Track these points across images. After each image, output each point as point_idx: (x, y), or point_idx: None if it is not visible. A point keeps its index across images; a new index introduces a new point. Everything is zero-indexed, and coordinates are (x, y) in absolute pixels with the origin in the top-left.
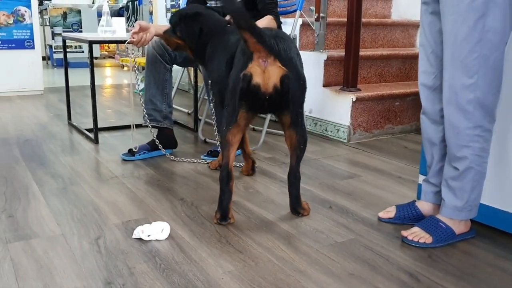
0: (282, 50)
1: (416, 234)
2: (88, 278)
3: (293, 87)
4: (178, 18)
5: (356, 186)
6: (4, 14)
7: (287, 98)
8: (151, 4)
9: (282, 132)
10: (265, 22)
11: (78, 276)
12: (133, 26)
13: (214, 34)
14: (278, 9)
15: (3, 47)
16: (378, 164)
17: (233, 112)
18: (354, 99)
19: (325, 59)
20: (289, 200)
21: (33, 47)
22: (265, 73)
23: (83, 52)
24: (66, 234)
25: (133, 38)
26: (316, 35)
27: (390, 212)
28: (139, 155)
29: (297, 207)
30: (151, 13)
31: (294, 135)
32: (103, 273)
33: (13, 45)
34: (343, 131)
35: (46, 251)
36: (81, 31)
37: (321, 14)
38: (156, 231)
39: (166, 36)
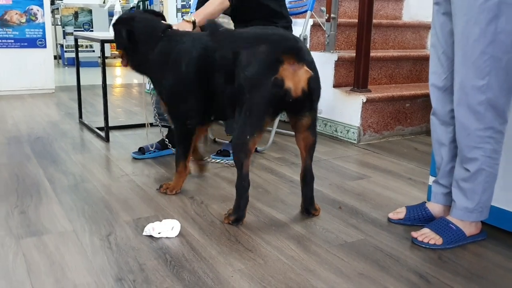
0: (306, 53)
1: (426, 235)
2: (99, 274)
3: (317, 88)
4: (114, 27)
5: (366, 187)
6: (17, 13)
7: (312, 100)
8: (162, 4)
9: (291, 133)
10: (216, 1)
11: (89, 272)
12: None
13: (151, 40)
14: (289, 9)
15: (16, 46)
16: (388, 165)
17: (259, 118)
18: (364, 100)
19: (336, 59)
20: (303, 200)
21: (45, 46)
22: (296, 77)
23: (94, 51)
24: (78, 231)
25: None
26: (326, 35)
27: (400, 213)
28: (149, 153)
29: (310, 208)
30: None
31: (310, 136)
32: (114, 269)
33: (25, 43)
34: (353, 132)
35: (57, 247)
36: (92, 31)
37: (332, 15)
38: (167, 228)
39: (120, 53)
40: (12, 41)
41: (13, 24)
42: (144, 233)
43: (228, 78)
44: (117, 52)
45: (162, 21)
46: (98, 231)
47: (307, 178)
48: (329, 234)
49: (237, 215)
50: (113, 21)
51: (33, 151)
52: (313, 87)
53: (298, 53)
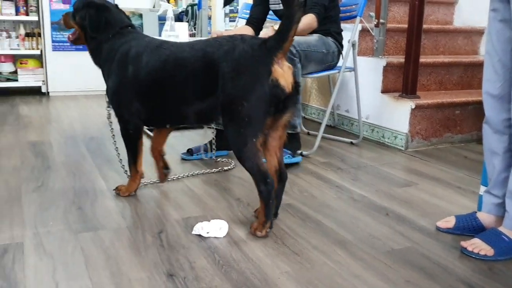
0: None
1: (476, 245)
2: (152, 270)
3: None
4: (84, 4)
5: (413, 194)
6: None
7: (298, 93)
8: (210, 9)
9: (337, 137)
10: (305, 20)
11: (142, 267)
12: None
13: (113, 32)
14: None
15: (71, 49)
16: (436, 173)
17: (260, 122)
18: (413, 106)
19: (384, 65)
20: (276, 204)
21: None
22: (285, 73)
23: None
24: (131, 227)
25: None
26: (375, 41)
27: (449, 222)
28: (197, 155)
29: (278, 208)
30: (209, 18)
31: (285, 134)
32: (165, 265)
33: (81, 47)
34: (401, 139)
35: (112, 242)
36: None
37: (381, 20)
38: (215, 228)
39: (66, 17)
40: (68, 44)
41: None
42: (193, 232)
43: (199, 90)
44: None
45: (125, 19)
46: (150, 228)
47: (282, 176)
48: (376, 240)
49: (271, 219)
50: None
51: (88, 150)
52: (298, 81)
53: (281, 46)
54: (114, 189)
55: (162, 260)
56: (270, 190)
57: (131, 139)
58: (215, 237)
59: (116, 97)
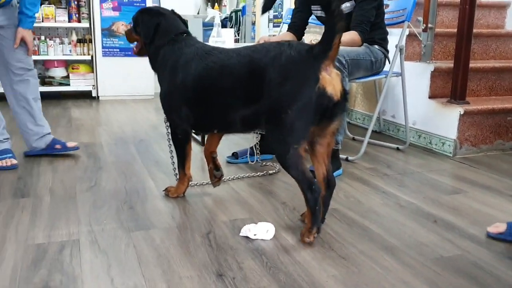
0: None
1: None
2: (202, 269)
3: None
4: (139, 13)
5: (462, 202)
6: (123, 24)
7: (346, 100)
8: (254, 15)
9: (383, 143)
10: (348, 37)
11: (192, 266)
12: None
13: (169, 39)
14: (386, 19)
15: (120, 55)
16: (486, 180)
17: (305, 130)
18: (462, 112)
19: (432, 70)
20: (323, 210)
21: (146, 55)
22: (333, 81)
23: None
24: (180, 227)
25: None
26: (423, 45)
27: (499, 227)
28: (242, 158)
29: (325, 215)
30: (253, 24)
31: (333, 141)
32: (214, 265)
33: (129, 53)
34: (449, 145)
35: (163, 240)
36: None
37: (429, 25)
38: (262, 231)
39: (128, 33)
40: (118, 50)
41: (119, 34)
42: (240, 234)
43: (245, 96)
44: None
45: (181, 25)
46: (198, 228)
47: (331, 184)
48: (424, 247)
49: (318, 225)
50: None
51: (138, 152)
52: (345, 88)
53: (326, 55)
54: (163, 190)
55: (211, 259)
56: (317, 197)
57: (180, 143)
58: (262, 240)
59: (167, 103)
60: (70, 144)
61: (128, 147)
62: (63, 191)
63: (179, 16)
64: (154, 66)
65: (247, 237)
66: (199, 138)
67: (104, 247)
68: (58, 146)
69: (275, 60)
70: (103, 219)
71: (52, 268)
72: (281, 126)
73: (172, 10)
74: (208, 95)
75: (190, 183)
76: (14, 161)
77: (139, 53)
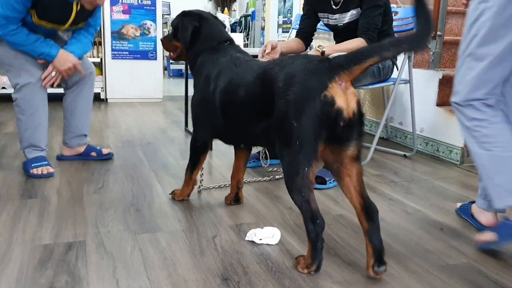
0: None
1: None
2: (207, 272)
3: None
4: (178, 17)
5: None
6: (132, 27)
7: (362, 123)
8: (264, 20)
9: (390, 150)
10: (354, 44)
11: (198, 270)
12: (246, 39)
13: (208, 45)
14: (394, 27)
15: (130, 57)
16: None
17: (312, 145)
18: None
19: (440, 78)
20: (372, 248)
21: (155, 58)
22: (346, 95)
23: None
24: (186, 231)
25: (263, 57)
26: (431, 53)
27: (487, 236)
28: (249, 163)
29: (382, 256)
30: (263, 29)
31: (359, 166)
32: (220, 269)
33: (139, 55)
34: (456, 153)
35: (169, 244)
36: None
37: (438, 32)
38: (268, 235)
39: (164, 41)
40: (127, 53)
41: (128, 37)
42: (246, 238)
43: (261, 110)
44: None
45: (224, 32)
46: (204, 232)
47: (372, 212)
48: (430, 254)
49: (318, 262)
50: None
51: (145, 154)
52: (362, 111)
53: (345, 68)
54: (170, 193)
55: (216, 263)
56: (319, 231)
57: (196, 151)
58: (267, 244)
59: (195, 110)
60: (105, 151)
61: (135, 150)
62: (70, 193)
63: (220, 23)
64: (192, 71)
65: (252, 241)
66: None
67: (110, 249)
68: (93, 154)
69: (284, 68)
70: (109, 221)
71: (58, 269)
72: (289, 143)
73: (214, 16)
74: (231, 108)
75: (200, 187)
76: (51, 170)
77: (177, 59)
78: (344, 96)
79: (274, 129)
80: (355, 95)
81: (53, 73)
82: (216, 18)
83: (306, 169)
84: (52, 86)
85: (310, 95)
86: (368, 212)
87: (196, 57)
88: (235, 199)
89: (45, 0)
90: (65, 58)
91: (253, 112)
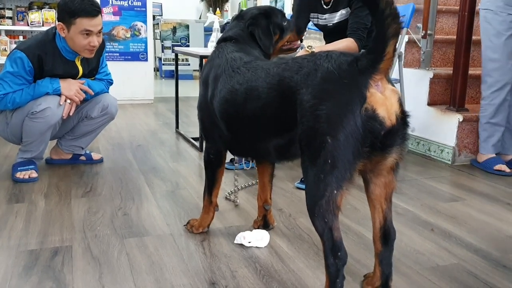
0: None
1: None
2: (194, 277)
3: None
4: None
5: (460, 209)
6: (123, 29)
7: (406, 127)
8: None
9: None
10: (343, 44)
11: (185, 274)
12: None
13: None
14: None
15: (120, 59)
16: (484, 188)
17: (348, 166)
18: (460, 120)
19: (431, 77)
20: (380, 271)
21: (146, 60)
22: (387, 100)
23: (189, 65)
24: (175, 234)
25: None
26: (422, 52)
27: None
28: (240, 165)
29: (390, 278)
30: None
31: (394, 181)
32: (207, 273)
33: (129, 57)
34: (448, 152)
35: (157, 248)
36: (188, 45)
37: (429, 32)
38: (257, 238)
39: None
40: (118, 54)
41: (119, 38)
42: (235, 241)
43: (276, 124)
44: None
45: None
46: (192, 236)
47: (389, 237)
48: (420, 256)
49: None
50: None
51: (135, 157)
52: (404, 109)
53: (376, 67)
54: (184, 225)
55: (204, 267)
56: (340, 266)
57: (211, 165)
58: (256, 247)
59: (200, 116)
60: (95, 156)
61: (125, 153)
62: (58, 197)
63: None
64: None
65: (241, 244)
66: (197, 143)
67: (97, 254)
68: (83, 158)
69: (308, 77)
70: (97, 225)
71: (43, 275)
72: (318, 161)
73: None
74: (235, 121)
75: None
76: (34, 174)
77: None
78: (384, 101)
79: (300, 146)
80: (395, 92)
81: (68, 101)
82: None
83: (336, 192)
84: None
85: (349, 110)
86: (385, 235)
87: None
88: (263, 223)
89: (47, 67)
90: (69, 83)
91: (266, 127)
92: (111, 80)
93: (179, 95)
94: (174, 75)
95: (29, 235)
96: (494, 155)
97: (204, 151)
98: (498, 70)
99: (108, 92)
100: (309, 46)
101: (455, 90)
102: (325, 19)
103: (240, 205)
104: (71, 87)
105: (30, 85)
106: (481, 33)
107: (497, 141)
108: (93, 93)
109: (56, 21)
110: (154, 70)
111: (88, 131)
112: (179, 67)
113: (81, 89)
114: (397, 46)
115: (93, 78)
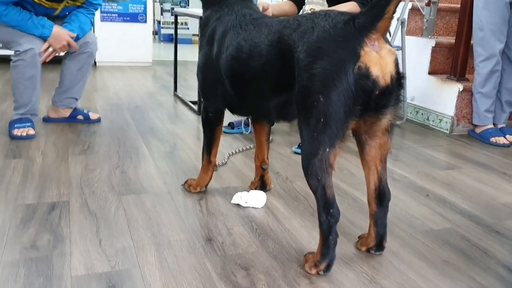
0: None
1: None
2: (191, 233)
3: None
4: None
5: (456, 177)
6: None
7: (401, 88)
8: None
9: None
10: (347, 8)
11: (182, 230)
12: None
13: (216, 1)
14: None
15: (119, 20)
16: (481, 158)
17: (341, 125)
18: (460, 89)
19: (433, 45)
20: (374, 231)
21: (145, 21)
22: (382, 60)
23: (188, 29)
24: (172, 192)
25: None
26: (425, 20)
27: None
28: (238, 128)
29: (383, 240)
30: None
31: (388, 142)
32: (204, 230)
33: (128, 18)
34: (446, 122)
35: (154, 205)
36: (187, 7)
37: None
38: (254, 199)
39: None
40: (116, 15)
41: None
42: (232, 201)
43: (275, 82)
44: None
45: None
46: (190, 194)
47: (384, 198)
48: (414, 220)
49: (328, 259)
50: None
51: (133, 118)
52: (400, 71)
53: (374, 26)
54: (182, 184)
55: (201, 224)
56: (332, 223)
57: (209, 124)
58: (253, 207)
59: (201, 75)
60: (93, 116)
61: (123, 113)
62: (55, 154)
63: None
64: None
65: (238, 204)
66: (195, 107)
67: (94, 209)
68: (80, 117)
69: (305, 35)
70: (94, 182)
71: (41, 228)
72: (312, 120)
73: None
74: (239, 79)
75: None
76: (31, 132)
77: None
78: (379, 61)
79: (296, 104)
80: (391, 53)
81: (50, 49)
82: None
83: (328, 150)
84: (45, 61)
85: (342, 69)
86: (381, 196)
87: (203, 15)
88: (260, 184)
89: None
90: (59, 36)
91: (267, 86)
92: (100, 3)
93: (178, 59)
94: (173, 39)
95: (26, 190)
96: (491, 125)
97: (202, 111)
98: (484, 39)
99: (92, 27)
100: (311, 9)
101: (456, 60)
102: None
103: (237, 167)
104: (60, 40)
105: (22, 11)
106: (474, 3)
107: (486, 110)
108: (78, 50)
109: None
110: (153, 34)
111: (74, 79)
112: (178, 31)
113: (68, 44)
114: (400, 13)
115: (80, 2)
